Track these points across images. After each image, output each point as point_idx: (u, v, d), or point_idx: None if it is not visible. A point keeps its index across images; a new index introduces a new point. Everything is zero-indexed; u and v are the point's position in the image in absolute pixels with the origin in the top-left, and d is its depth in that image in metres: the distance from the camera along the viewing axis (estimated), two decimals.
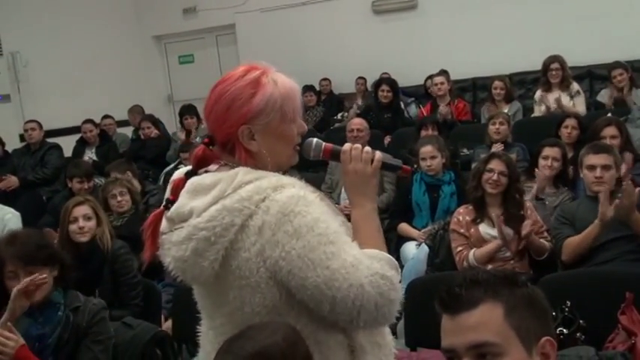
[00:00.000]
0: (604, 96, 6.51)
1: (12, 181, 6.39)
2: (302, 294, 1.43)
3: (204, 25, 9.92)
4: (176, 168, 5.92)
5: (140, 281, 3.50)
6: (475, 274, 1.27)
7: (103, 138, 7.36)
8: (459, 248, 3.66)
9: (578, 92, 6.29)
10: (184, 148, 6.08)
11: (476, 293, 1.23)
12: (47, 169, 6.59)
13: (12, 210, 4.78)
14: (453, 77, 7.41)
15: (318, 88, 8.89)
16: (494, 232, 3.63)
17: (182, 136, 6.97)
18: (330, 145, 1.62)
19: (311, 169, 5.59)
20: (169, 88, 10.66)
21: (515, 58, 7.93)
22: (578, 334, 2.71)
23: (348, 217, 1.58)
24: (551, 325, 1.30)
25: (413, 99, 7.86)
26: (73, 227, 3.41)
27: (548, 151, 4.25)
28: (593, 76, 7.71)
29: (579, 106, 6.19)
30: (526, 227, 3.46)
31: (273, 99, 1.51)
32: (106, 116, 8.13)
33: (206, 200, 1.47)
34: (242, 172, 1.49)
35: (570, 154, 4.49)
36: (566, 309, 2.75)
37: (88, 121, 7.34)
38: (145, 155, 6.96)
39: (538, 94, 6.44)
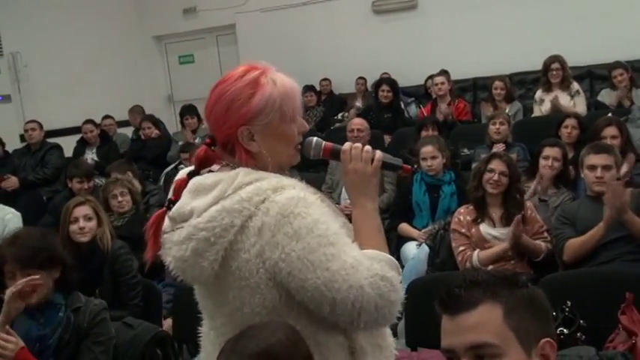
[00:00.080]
0: (605, 96, 6.51)
1: (12, 181, 6.39)
2: (302, 295, 1.43)
3: (204, 25, 9.92)
4: (176, 168, 5.93)
5: (140, 281, 3.50)
6: (475, 274, 1.27)
7: (103, 138, 7.37)
8: (461, 248, 3.66)
9: (578, 92, 6.29)
10: (184, 149, 6.09)
11: (475, 294, 1.22)
12: (48, 170, 6.59)
13: (12, 210, 4.78)
14: (453, 77, 7.41)
15: (318, 88, 8.89)
16: (495, 231, 3.64)
17: (187, 135, 6.97)
18: (330, 144, 1.61)
19: (311, 169, 5.59)
20: (169, 88, 10.66)
21: (515, 58, 7.93)
22: (578, 334, 2.71)
23: (350, 218, 1.57)
24: (552, 326, 1.30)
25: (413, 99, 7.86)
26: (73, 227, 3.42)
27: (548, 151, 4.25)
28: (593, 76, 7.71)
29: (580, 106, 6.19)
30: (514, 225, 3.45)
31: (272, 99, 1.51)
32: (106, 116, 8.13)
33: (206, 200, 1.47)
34: (243, 173, 1.49)
35: (571, 154, 4.49)
36: (567, 309, 2.75)
37: (89, 121, 7.35)
38: (145, 155, 6.96)
39: (538, 94, 6.44)
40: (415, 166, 4.55)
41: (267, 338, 1.40)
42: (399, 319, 1.53)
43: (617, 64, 6.45)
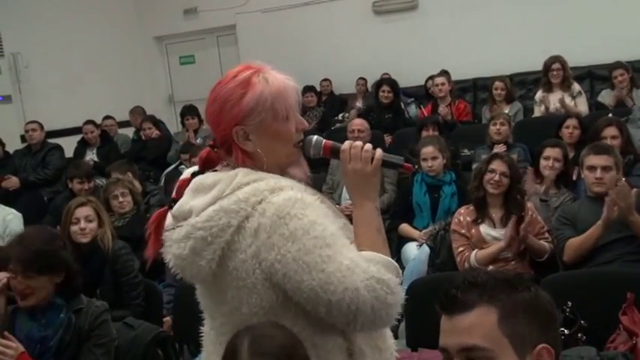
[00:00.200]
0: (605, 97, 6.51)
1: (13, 181, 6.40)
2: (298, 297, 1.43)
3: (205, 25, 9.92)
4: (177, 169, 5.94)
5: (141, 281, 3.50)
6: (475, 276, 1.25)
7: (104, 139, 7.37)
8: (460, 249, 3.66)
9: (579, 93, 6.29)
10: (184, 149, 6.09)
11: (472, 296, 1.21)
12: (48, 170, 6.60)
13: (13, 211, 4.79)
14: (453, 78, 7.41)
15: (318, 89, 8.88)
16: (495, 232, 3.64)
17: (186, 137, 6.97)
18: (330, 142, 1.60)
19: (312, 170, 5.58)
20: (170, 88, 10.66)
21: (515, 59, 7.93)
22: (579, 335, 2.71)
23: (351, 218, 1.56)
24: (554, 331, 1.25)
25: (412, 99, 7.86)
26: (74, 228, 3.42)
27: (549, 151, 4.25)
28: (593, 77, 7.69)
29: (581, 106, 6.19)
30: (522, 229, 3.46)
31: (263, 98, 1.50)
32: (106, 117, 8.13)
33: (205, 200, 1.48)
34: (242, 174, 1.49)
35: (571, 155, 4.49)
36: (568, 309, 2.75)
37: (89, 121, 7.35)
38: (145, 156, 6.97)
39: (539, 94, 6.44)
40: (416, 166, 4.56)
41: (280, 337, 1.42)
42: (399, 320, 1.52)
43: (617, 65, 6.44)
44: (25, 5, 8.28)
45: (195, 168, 1.60)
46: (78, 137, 7.46)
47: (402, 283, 1.48)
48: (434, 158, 4.51)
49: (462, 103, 6.89)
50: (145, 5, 10.09)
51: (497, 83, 6.59)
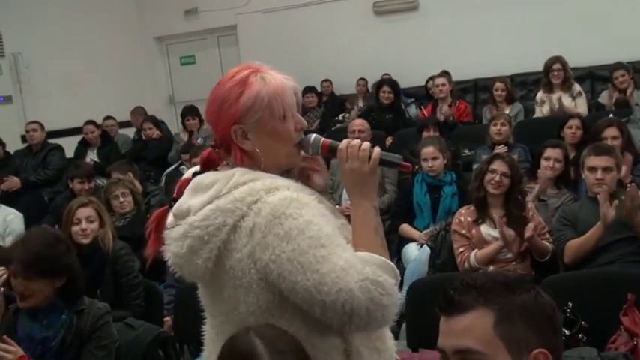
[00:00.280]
0: (605, 97, 6.51)
1: (14, 182, 6.40)
2: (293, 297, 1.43)
3: (205, 26, 9.92)
4: (177, 169, 5.94)
5: (141, 282, 3.50)
6: (473, 278, 1.25)
7: (104, 139, 7.37)
8: (461, 249, 3.66)
9: (579, 93, 6.30)
10: (185, 150, 6.09)
11: (468, 298, 1.21)
12: (49, 170, 6.60)
13: (14, 211, 4.80)
14: (454, 78, 7.39)
15: (319, 89, 8.89)
16: (495, 232, 3.64)
17: (184, 137, 6.98)
18: (328, 140, 1.59)
19: None
20: (171, 89, 10.66)
21: (516, 59, 7.93)
22: (580, 335, 2.71)
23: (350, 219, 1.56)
24: (554, 335, 1.23)
25: (413, 99, 7.86)
26: (75, 229, 3.43)
27: (550, 152, 4.25)
28: (594, 77, 7.70)
29: (581, 107, 6.19)
30: (529, 230, 3.46)
31: (260, 97, 1.51)
32: (107, 117, 8.13)
33: (203, 199, 1.48)
34: (239, 173, 1.50)
35: (572, 155, 4.49)
36: (568, 310, 2.75)
37: (90, 122, 7.35)
38: (146, 156, 6.97)
39: (539, 95, 6.44)
40: (416, 166, 4.56)
41: (287, 335, 1.43)
42: (398, 321, 1.52)
43: (618, 65, 6.44)
44: (25, 5, 8.28)
45: (197, 168, 1.61)
46: (78, 137, 7.46)
47: (400, 284, 1.48)
48: (434, 159, 4.51)
49: (462, 104, 6.88)
50: (145, 5, 10.09)
51: (498, 84, 6.59)
